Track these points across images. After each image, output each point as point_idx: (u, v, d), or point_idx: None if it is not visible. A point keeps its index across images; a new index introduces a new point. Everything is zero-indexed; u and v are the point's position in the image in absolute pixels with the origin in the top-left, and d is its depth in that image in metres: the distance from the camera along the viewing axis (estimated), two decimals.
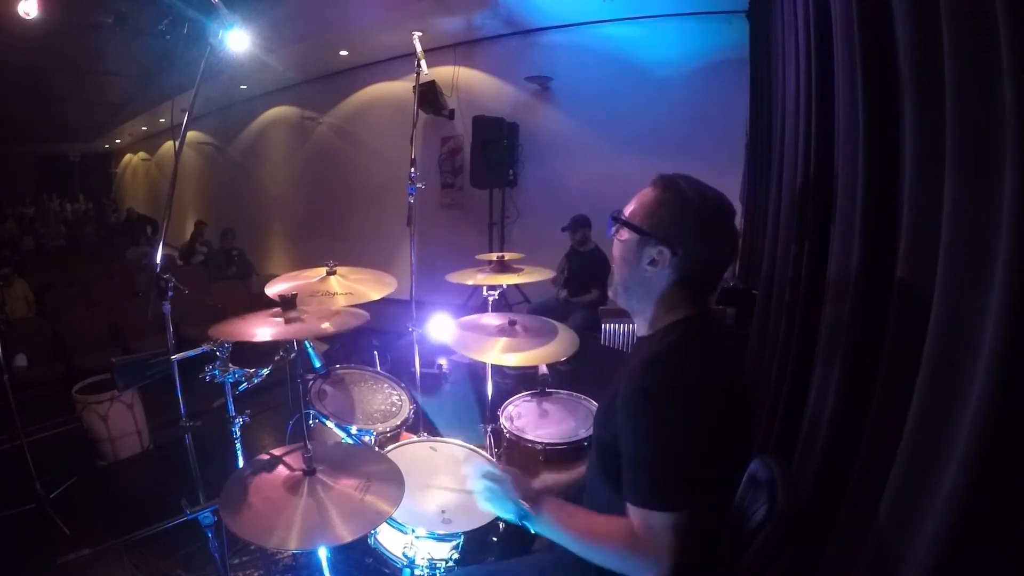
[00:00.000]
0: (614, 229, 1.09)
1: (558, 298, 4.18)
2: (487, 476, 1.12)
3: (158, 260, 1.67)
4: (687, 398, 0.92)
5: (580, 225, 4.15)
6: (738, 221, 3.46)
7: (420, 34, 2.42)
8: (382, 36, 5.61)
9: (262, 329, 1.43)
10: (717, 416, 0.93)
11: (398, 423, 1.93)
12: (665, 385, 0.93)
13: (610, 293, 1.14)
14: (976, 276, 0.78)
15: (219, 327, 1.47)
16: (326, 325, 1.47)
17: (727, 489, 1.05)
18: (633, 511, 0.94)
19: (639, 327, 1.12)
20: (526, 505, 1.04)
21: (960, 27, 0.81)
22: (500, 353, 1.88)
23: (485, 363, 2.01)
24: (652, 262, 1.02)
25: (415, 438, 1.86)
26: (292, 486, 1.31)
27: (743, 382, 1.05)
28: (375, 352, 2.55)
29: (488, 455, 1.69)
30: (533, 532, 1.07)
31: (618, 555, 0.96)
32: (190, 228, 7.80)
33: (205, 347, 1.55)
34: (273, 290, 1.82)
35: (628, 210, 1.07)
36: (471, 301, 4.98)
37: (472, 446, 1.74)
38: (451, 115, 5.82)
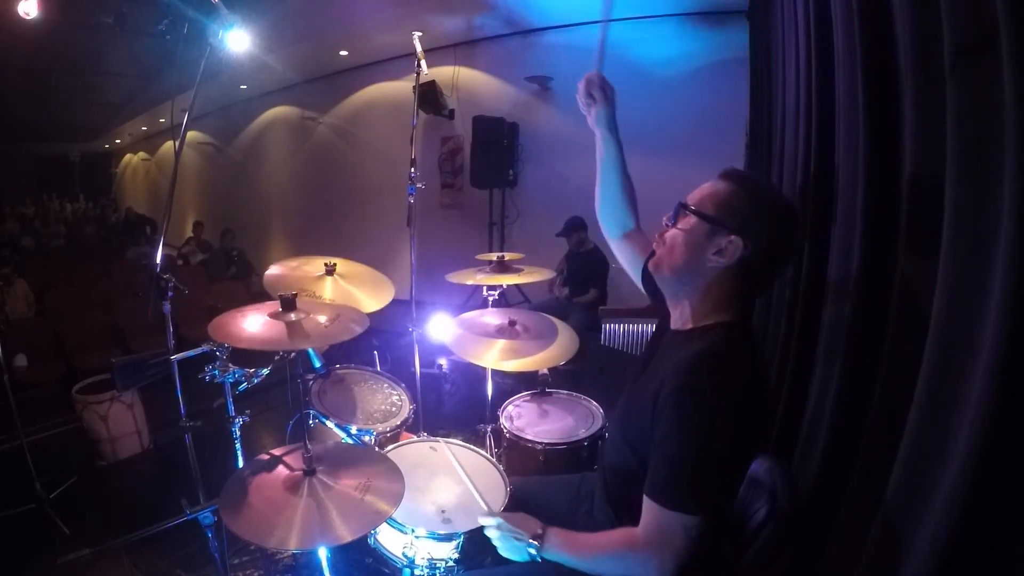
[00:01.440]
0: (676, 217, 1.06)
1: (558, 298, 4.18)
2: (497, 528, 1.17)
3: (158, 260, 1.67)
4: (736, 404, 0.91)
5: (574, 228, 4.14)
6: None
7: (420, 34, 2.41)
8: (382, 36, 5.61)
9: (260, 333, 1.42)
10: (755, 425, 0.94)
11: (398, 423, 1.93)
12: (718, 387, 0.91)
13: (659, 272, 1.11)
14: (977, 276, 0.78)
15: (217, 325, 1.45)
16: (323, 320, 1.46)
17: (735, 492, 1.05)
18: (648, 505, 0.94)
19: (675, 319, 1.11)
20: (535, 543, 1.08)
21: (960, 27, 0.81)
22: (499, 357, 1.88)
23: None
24: (719, 252, 1.00)
25: (415, 438, 1.86)
26: (292, 486, 1.31)
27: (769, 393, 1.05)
28: (375, 352, 2.55)
29: (488, 455, 1.69)
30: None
31: (620, 557, 0.97)
32: (190, 229, 7.82)
33: (205, 347, 1.55)
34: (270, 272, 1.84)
35: (694, 199, 1.05)
36: (471, 301, 4.98)
37: (472, 446, 1.74)
38: (451, 115, 5.82)
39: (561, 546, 1.07)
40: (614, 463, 1.15)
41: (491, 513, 1.22)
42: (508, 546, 1.14)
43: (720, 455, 0.90)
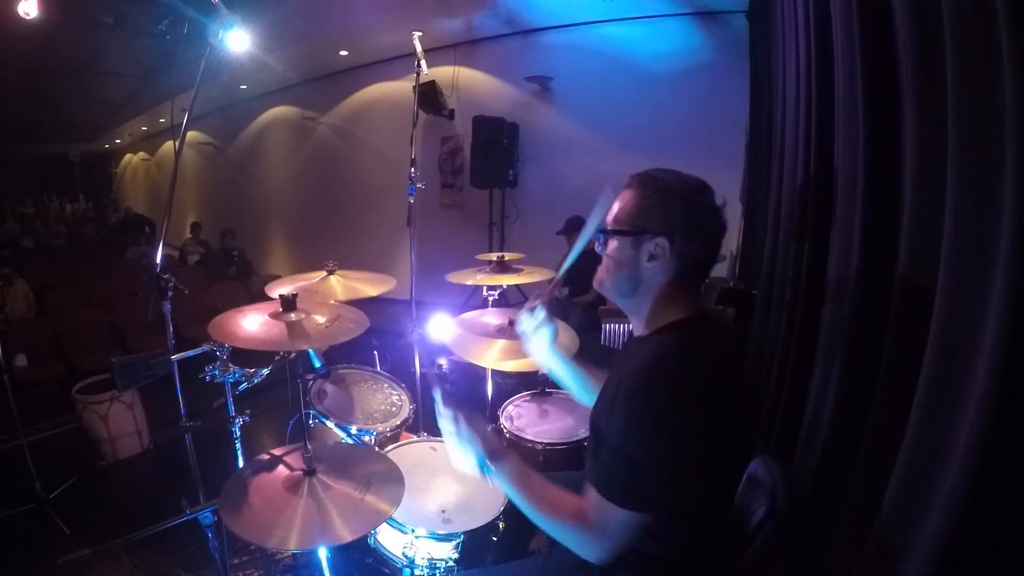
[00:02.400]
0: (601, 244, 1.09)
1: (558, 297, 4.18)
2: (455, 423, 1.17)
3: (158, 260, 1.67)
4: (686, 406, 0.92)
5: (575, 228, 4.14)
6: (738, 221, 3.44)
7: (420, 34, 2.41)
8: (382, 36, 5.61)
9: (260, 333, 1.42)
10: (712, 423, 0.93)
11: (398, 423, 1.93)
12: (667, 389, 0.93)
13: (604, 292, 1.13)
14: (977, 276, 0.78)
15: (217, 325, 1.45)
16: (323, 320, 1.46)
17: (721, 489, 1.04)
18: (592, 493, 0.97)
19: (636, 327, 1.12)
20: (487, 457, 1.10)
21: (960, 27, 0.81)
22: (499, 356, 1.88)
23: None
24: (652, 258, 1.01)
25: (415, 438, 1.86)
26: (292, 486, 1.31)
27: (744, 384, 1.05)
28: (375, 352, 2.55)
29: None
30: (489, 479, 1.12)
31: (564, 528, 1.01)
32: (189, 229, 7.82)
33: (205, 347, 1.55)
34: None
35: (610, 218, 1.07)
36: (471, 301, 4.98)
37: None
38: (451, 115, 5.82)
39: (513, 477, 1.08)
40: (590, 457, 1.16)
41: (454, 410, 1.19)
42: (462, 444, 1.15)
43: (669, 457, 0.92)
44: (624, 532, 0.95)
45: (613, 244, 1.06)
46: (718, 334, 1.08)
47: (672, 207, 1.00)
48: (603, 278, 1.10)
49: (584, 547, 0.99)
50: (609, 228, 1.06)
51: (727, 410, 0.96)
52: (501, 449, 1.12)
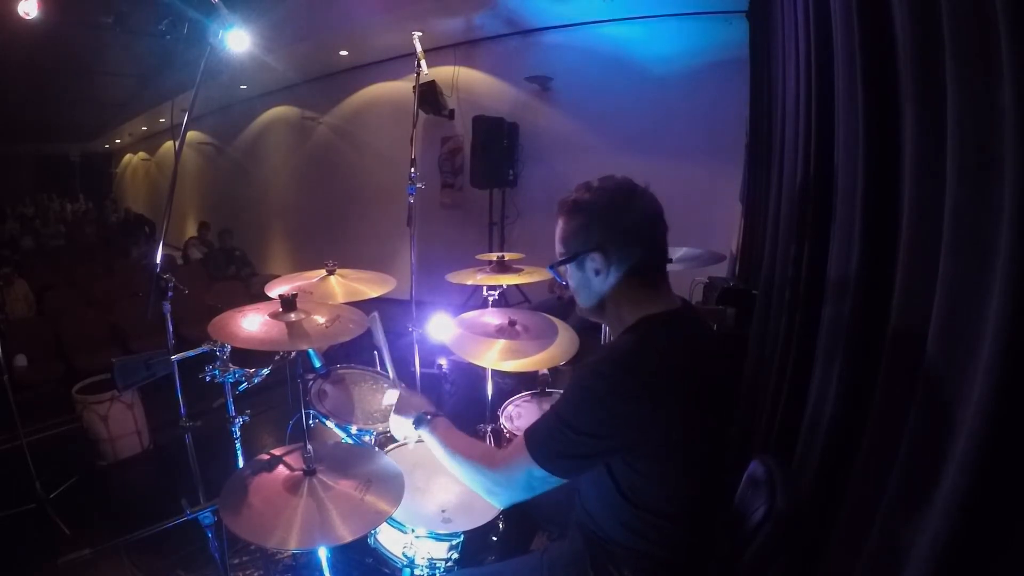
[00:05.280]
0: (559, 276, 1.15)
1: (559, 297, 4.18)
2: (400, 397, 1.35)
3: (158, 260, 1.67)
4: (618, 389, 0.95)
5: None
6: (738, 221, 3.42)
7: (420, 34, 2.41)
8: (382, 36, 5.61)
9: (260, 333, 1.42)
10: (657, 416, 0.95)
11: None
12: (605, 363, 0.99)
13: (584, 315, 1.20)
14: (977, 276, 0.78)
15: (217, 325, 1.44)
16: (323, 320, 1.46)
17: (699, 486, 1.04)
18: (517, 439, 1.05)
19: (611, 335, 1.18)
20: (425, 414, 1.26)
21: (960, 27, 0.81)
22: (499, 357, 1.88)
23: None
24: (596, 272, 1.07)
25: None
26: (292, 486, 1.31)
27: (717, 381, 1.07)
28: (375, 352, 2.54)
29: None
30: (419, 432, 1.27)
31: (477, 471, 1.10)
32: (189, 228, 7.82)
33: (205, 347, 1.55)
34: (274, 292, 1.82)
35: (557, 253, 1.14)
36: (471, 301, 4.98)
37: None
38: (451, 115, 5.82)
39: (439, 431, 1.21)
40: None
41: (395, 385, 1.38)
42: (402, 410, 1.30)
43: (583, 426, 0.96)
44: (524, 481, 1.01)
45: (566, 272, 1.13)
46: (689, 329, 1.10)
47: (592, 222, 1.06)
48: (579, 304, 1.17)
49: (484, 484, 1.08)
50: (555, 262, 1.13)
51: (684, 407, 0.97)
52: (431, 413, 1.26)
